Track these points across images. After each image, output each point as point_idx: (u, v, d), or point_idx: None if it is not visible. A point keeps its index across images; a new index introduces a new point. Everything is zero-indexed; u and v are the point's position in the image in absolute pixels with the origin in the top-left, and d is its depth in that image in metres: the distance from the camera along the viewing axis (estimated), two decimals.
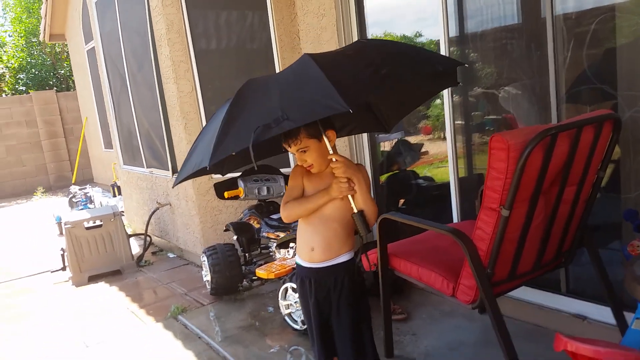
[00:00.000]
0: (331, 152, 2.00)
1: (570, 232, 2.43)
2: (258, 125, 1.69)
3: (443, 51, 3.44)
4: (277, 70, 4.65)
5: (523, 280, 2.38)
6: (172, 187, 2.36)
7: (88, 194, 8.40)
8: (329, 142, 2.01)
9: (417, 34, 3.97)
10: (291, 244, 3.69)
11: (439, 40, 3.48)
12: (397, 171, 4.42)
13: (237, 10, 4.76)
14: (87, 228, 5.23)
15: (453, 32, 3.45)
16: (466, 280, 2.19)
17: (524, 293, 3.09)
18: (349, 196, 2.03)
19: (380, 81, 1.87)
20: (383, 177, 4.39)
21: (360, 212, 2.04)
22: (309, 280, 2.17)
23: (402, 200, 4.38)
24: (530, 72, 3.16)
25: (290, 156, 4.47)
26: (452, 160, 3.49)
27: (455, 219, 3.52)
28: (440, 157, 3.90)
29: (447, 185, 3.54)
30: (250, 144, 1.66)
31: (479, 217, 2.13)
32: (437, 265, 2.37)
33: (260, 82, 1.97)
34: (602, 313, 2.72)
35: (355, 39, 4.16)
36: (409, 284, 2.53)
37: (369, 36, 4.19)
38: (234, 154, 1.75)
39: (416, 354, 2.94)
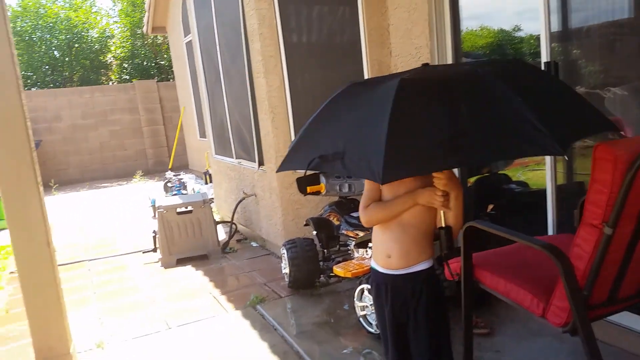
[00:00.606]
0: None
1: None
2: (317, 155, 1.74)
3: (543, 47, 3.19)
4: (365, 66, 4.57)
5: (624, 306, 2.15)
6: (276, 172, 2.34)
7: (182, 180, 8.81)
8: None
9: (516, 28, 3.73)
10: (370, 244, 3.62)
11: (539, 35, 3.23)
12: (487, 174, 4.19)
13: (328, 5, 4.73)
14: (179, 213, 5.47)
15: (555, 26, 3.18)
16: (559, 301, 2.00)
17: (623, 318, 2.79)
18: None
19: (451, 155, 1.61)
20: (472, 180, 4.18)
21: (448, 229, 1.93)
22: (385, 287, 2.08)
23: (491, 206, 4.14)
24: None
25: None
26: (550, 164, 3.23)
27: (550, 231, 3.26)
28: (537, 159, 3.64)
29: (543, 192, 3.29)
30: (305, 170, 1.77)
31: (577, 233, 1.93)
32: (527, 282, 2.19)
33: (356, 92, 1.91)
34: None
35: (448, 34, 3.97)
36: (494, 295, 2.38)
37: (463, 30, 3.98)
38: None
39: None
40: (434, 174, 1.85)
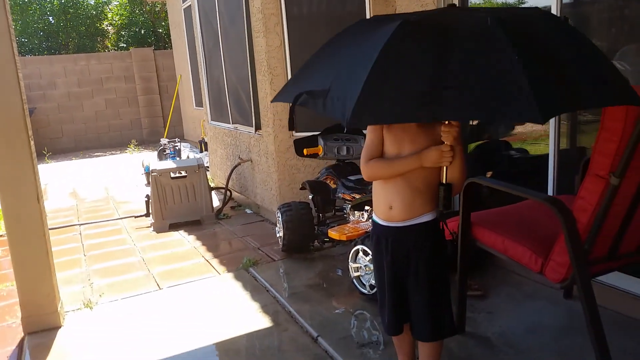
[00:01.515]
0: None
1: None
2: (306, 90, 1.70)
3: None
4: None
5: (623, 263, 2.11)
6: (271, 102, 2.22)
7: (177, 147, 8.72)
8: None
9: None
10: (366, 207, 3.56)
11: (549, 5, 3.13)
12: (487, 140, 4.12)
13: None
14: (173, 178, 5.39)
15: None
16: (558, 257, 1.96)
17: (619, 280, 2.75)
18: None
19: (425, 109, 1.51)
20: (471, 146, 4.11)
21: (449, 186, 1.85)
22: (385, 240, 2.00)
23: (490, 173, 4.08)
24: None
25: None
26: (554, 131, 3.14)
27: (550, 193, 3.21)
28: (536, 135, 3.57)
29: (543, 157, 3.22)
30: (292, 104, 1.74)
31: (582, 185, 1.88)
32: (526, 239, 2.14)
33: (360, 29, 1.81)
34: None
35: None
36: (489, 259, 2.33)
37: None
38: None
39: (490, 332, 2.73)
40: (443, 128, 1.77)
